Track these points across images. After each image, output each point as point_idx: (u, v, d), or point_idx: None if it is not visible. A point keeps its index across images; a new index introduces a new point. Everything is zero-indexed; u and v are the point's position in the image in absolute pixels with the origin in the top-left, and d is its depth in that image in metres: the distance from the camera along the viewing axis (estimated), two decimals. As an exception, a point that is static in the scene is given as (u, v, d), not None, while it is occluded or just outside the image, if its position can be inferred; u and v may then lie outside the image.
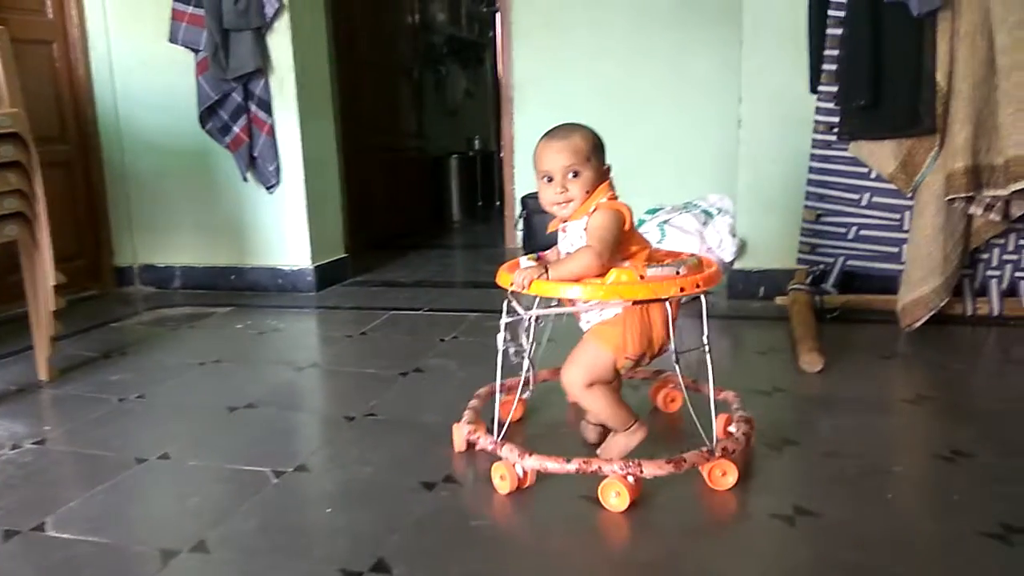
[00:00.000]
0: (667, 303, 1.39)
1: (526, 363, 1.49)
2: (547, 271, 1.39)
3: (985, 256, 2.55)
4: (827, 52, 2.53)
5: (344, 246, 3.65)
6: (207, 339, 2.66)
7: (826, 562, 1.21)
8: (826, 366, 2.08)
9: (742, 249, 2.95)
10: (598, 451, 1.52)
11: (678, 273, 1.39)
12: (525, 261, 1.53)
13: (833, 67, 2.51)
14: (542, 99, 4.22)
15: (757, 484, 1.44)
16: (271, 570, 1.21)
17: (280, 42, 3.14)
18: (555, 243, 1.56)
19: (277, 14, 3.08)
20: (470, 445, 1.57)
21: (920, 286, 2.35)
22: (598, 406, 1.47)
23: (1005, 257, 2.54)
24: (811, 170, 2.66)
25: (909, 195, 2.46)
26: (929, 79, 2.29)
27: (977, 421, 1.74)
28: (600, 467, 1.36)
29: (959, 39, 2.24)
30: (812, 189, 2.67)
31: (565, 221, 1.49)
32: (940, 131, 2.31)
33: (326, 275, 3.40)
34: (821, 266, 2.72)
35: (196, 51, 3.15)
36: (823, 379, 2.04)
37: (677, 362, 1.44)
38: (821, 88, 2.58)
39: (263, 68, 3.12)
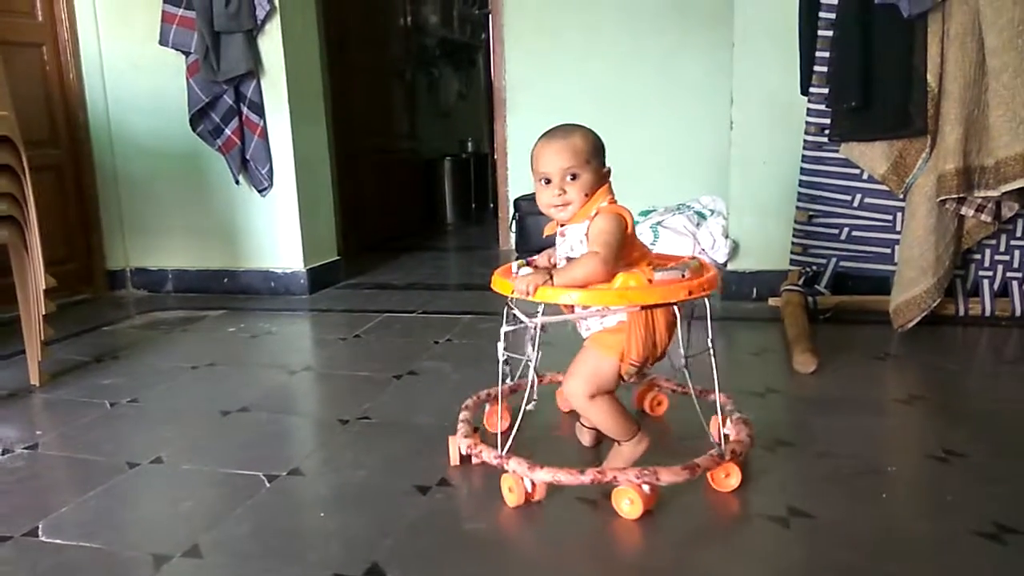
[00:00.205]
0: (675, 307, 1.36)
1: (531, 374, 1.42)
2: (551, 277, 1.34)
3: (977, 256, 2.57)
4: (818, 54, 2.54)
5: (337, 249, 3.65)
6: (200, 343, 2.65)
7: (819, 562, 1.21)
8: (819, 367, 2.08)
9: (735, 250, 2.95)
10: (603, 464, 1.48)
11: (683, 276, 1.36)
12: (517, 267, 1.47)
13: (824, 69, 2.52)
14: (534, 101, 4.24)
15: (751, 485, 1.44)
16: (264, 574, 1.21)
17: (271, 44, 3.13)
18: (550, 246, 1.52)
19: (268, 16, 3.08)
20: (466, 458, 1.52)
21: (912, 287, 2.36)
22: (602, 418, 1.42)
23: (997, 257, 2.55)
24: (803, 171, 2.68)
25: (901, 196, 2.48)
26: (920, 80, 2.30)
27: (970, 421, 1.74)
28: (616, 476, 1.32)
29: (950, 40, 2.25)
30: (804, 190, 2.68)
31: (563, 224, 1.44)
32: (931, 132, 2.32)
33: (319, 278, 3.40)
34: (814, 267, 2.73)
35: (187, 53, 3.13)
36: (816, 380, 2.04)
37: (687, 367, 1.41)
38: (812, 90, 2.59)
39: (255, 70, 3.11)
